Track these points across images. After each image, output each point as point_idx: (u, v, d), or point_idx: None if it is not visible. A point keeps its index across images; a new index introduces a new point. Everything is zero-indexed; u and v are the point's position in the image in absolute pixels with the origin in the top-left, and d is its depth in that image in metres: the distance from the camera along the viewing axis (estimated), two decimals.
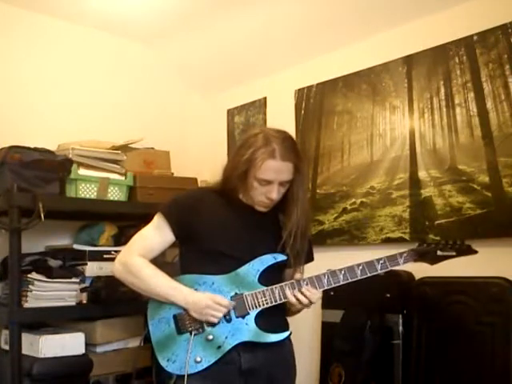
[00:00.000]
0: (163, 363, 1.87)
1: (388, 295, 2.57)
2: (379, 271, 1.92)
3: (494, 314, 2.26)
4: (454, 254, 2.00)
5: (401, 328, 2.50)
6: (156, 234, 1.99)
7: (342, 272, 1.90)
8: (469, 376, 2.28)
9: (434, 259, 2.00)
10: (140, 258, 1.96)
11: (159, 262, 2.06)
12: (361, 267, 1.91)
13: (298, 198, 1.93)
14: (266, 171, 1.86)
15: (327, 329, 2.79)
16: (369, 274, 1.91)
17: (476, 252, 2.04)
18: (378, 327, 2.52)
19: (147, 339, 1.97)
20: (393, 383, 2.49)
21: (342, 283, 1.90)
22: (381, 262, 1.92)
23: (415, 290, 2.53)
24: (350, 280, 1.90)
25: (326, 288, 1.90)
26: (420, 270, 2.58)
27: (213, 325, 1.87)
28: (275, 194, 1.89)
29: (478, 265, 2.42)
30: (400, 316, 2.52)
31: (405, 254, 1.94)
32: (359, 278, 1.91)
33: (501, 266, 2.36)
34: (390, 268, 1.93)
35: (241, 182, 1.92)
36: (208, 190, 2.07)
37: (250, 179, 1.89)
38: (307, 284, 1.88)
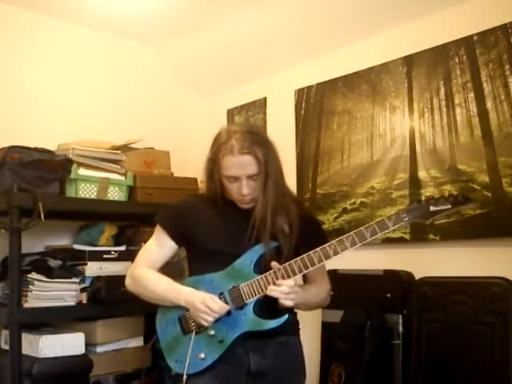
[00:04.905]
0: (172, 365, 1.91)
1: (388, 295, 2.57)
2: (369, 239, 1.82)
3: (494, 314, 2.26)
4: (449, 206, 1.82)
5: (401, 328, 2.50)
6: (158, 245, 2.05)
7: (333, 247, 1.84)
8: (468, 376, 2.28)
9: (427, 215, 1.83)
10: (145, 268, 2.02)
11: None
12: (350, 238, 1.83)
13: (265, 189, 1.91)
14: (228, 168, 1.89)
15: (327, 329, 2.80)
16: (359, 244, 1.82)
17: (475, 202, 1.89)
18: (378, 327, 2.52)
19: (156, 344, 2.01)
20: (393, 383, 2.49)
21: (332, 257, 1.84)
22: (370, 229, 1.82)
23: (415, 290, 2.53)
24: (340, 252, 1.83)
25: (317, 265, 1.85)
26: (420, 269, 2.60)
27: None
28: (245, 189, 1.90)
29: (478, 265, 2.43)
30: (400, 316, 2.52)
31: (393, 216, 1.83)
32: (349, 249, 1.83)
33: (501, 266, 2.36)
34: (379, 233, 1.81)
35: (214, 183, 1.96)
36: (197, 197, 2.17)
37: (220, 178, 1.94)
38: (299, 264, 1.84)
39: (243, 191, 1.91)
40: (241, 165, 1.88)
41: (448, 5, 2.63)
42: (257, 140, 1.91)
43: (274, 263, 1.86)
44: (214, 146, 1.94)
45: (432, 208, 1.83)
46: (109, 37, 3.38)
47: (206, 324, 1.86)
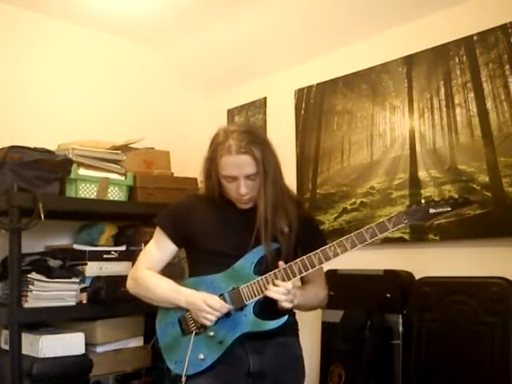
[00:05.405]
0: (171, 366, 1.91)
1: (388, 295, 2.57)
2: (369, 241, 1.82)
3: (494, 314, 2.26)
4: (448, 209, 1.82)
5: (401, 328, 2.50)
6: (158, 247, 2.06)
7: (332, 248, 1.84)
8: (469, 376, 2.28)
9: (426, 218, 1.84)
10: (146, 270, 2.03)
11: None
12: (350, 240, 1.84)
13: (264, 189, 1.91)
14: (226, 167, 1.89)
15: (327, 329, 2.80)
16: (359, 245, 1.83)
17: (474, 204, 1.90)
18: (378, 327, 2.52)
19: (156, 345, 2.01)
20: (393, 383, 2.49)
21: (332, 258, 1.84)
22: (369, 230, 1.83)
23: (415, 290, 2.53)
24: (340, 254, 1.84)
25: (317, 266, 1.85)
26: (420, 269, 2.60)
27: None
28: (243, 188, 1.90)
29: (478, 265, 2.43)
30: (400, 316, 2.52)
31: (393, 218, 1.83)
32: (349, 250, 1.83)
33: (501, 266, 2.36)
34: (379, 235, 1.82)
35: (212, 183, 1.96)
36: (197, 197, 2.14)
37: (218, 178, 1.94)
38: (299, 266, 1.85)
39: (241, 191, 1.90)
40: (238, 164, 1.88)
41: (448, 5, 2.63)
42: (254, 139, 1.91)
43: (281, 262, 1.87)
44: (212, 146, 1.94)
45: (432, 210, 1.84)
46: (109, 37, 3.38)
47: (208, 323, 1.86)
